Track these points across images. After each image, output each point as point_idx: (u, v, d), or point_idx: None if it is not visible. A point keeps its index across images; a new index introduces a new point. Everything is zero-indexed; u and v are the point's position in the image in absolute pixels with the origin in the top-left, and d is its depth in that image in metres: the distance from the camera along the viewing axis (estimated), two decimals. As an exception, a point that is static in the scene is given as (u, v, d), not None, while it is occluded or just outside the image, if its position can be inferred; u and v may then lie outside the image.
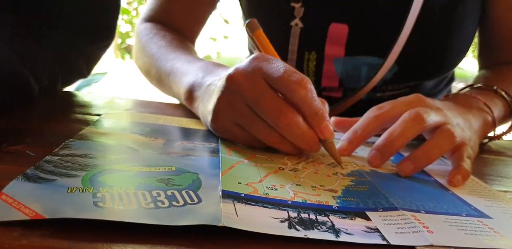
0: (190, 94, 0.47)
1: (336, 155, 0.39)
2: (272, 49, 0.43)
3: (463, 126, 0.44)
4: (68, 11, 0.52)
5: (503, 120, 0.54)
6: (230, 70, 0.38)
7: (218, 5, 0.72)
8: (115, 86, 3.13)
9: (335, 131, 0.43)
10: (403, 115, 0.40)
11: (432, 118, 0.40)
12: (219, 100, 0.39)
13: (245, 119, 0.38)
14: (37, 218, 0.23)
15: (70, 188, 0.27)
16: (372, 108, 0.43)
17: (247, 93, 0.37)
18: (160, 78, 0.57)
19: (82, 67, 0.58)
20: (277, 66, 0.37)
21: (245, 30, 0.43)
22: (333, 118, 0.47)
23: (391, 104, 0.42)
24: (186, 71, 0.50)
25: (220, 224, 0.24)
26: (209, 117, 0.41)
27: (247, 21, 0.43)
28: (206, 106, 0.42)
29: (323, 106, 0.39)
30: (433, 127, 0.40)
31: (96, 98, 0.56)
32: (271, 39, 0.71)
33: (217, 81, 0.41)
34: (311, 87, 0.37)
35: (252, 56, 0.39)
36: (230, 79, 0.38)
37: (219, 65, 0.48)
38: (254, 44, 0.43)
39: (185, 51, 0.58)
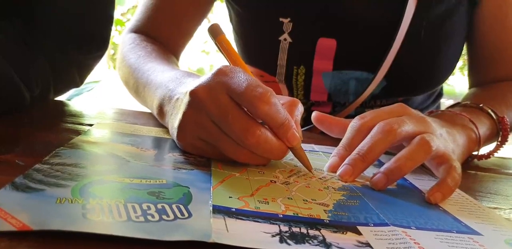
0: (161, 109, 0.46)
1: (305, 160, 0.40)
2: (236, 55, 0.42)
3: (446, 138, 0.43)
4: (60, 19, 0.52)
5: (489, 138, 0.53)
6: (194, 85, 0.37)
7: (212, 19, 0.73)
8: (108, 97, 3.11)
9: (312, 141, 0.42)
10: (374, 128, 0.40)
11: (406, 128, 0.39)
12: (184, 117, 0.38)
13: (211, 136, 0.37)
14: (24, 230, 0.23)
15: (59, 198, 0.27)
16: (355, 118, 0.42)
17: (212, 110, 0.36)
18: (137, 89, 0.55)
19: (75, 76, 0.57)
20: (240, 80, 0.36)
21: (208, 35, 0.42)
22: (314, 113, 0.45)
23: (374, 113, 0.42)
24: (159, 83, 0.48)
25: (210, 240, 0.24)
26: (175, 134, 0.40)
27: (209, 25, 0.42)
28: (173, 123, 0.41)
29: (294, 110, 0.39)
30: (411, 137, 0.40)
31: (87, 108, 0.56)
32: (260, 53, 0.71)
33: (182, 96, 0.40)
34: (274, 100, 0.36)
35: (216, 69, 0.37)
36: (193, 95, 0.37)
37: (189, 75, 0.46)
38: (218, 49, 0.42)
39: (162, 62, 0.56)
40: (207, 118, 0.37)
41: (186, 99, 0.38)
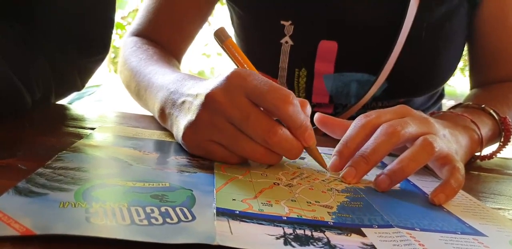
0: (163, 111, 0.45)
1: (320, 159, 0.41)
2: (245, 58, 0.42)
3: (449, 139, 0.43)
4: (60, 19, 0.52)
5: (492, 138, 0.53)
6: (207, 88, 0.38)
7: (212, 22, 0.73)
8: (109, 100, 3.12)
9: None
10: (377, 130, 0.40)
11: (409, 129, 0.39)
12: (198, 118, 0.38)
13: (228, 138, 0.38)
14: (27, 234, 0.23)
15: (62, 202, 0.27)
16: (359, 116, 0.42)
17: (231, 112, 0.36)
18: (139, 92, 0.55)
19: (77, 80, 0.57)
20: (260, 83, 0.37)
21: (214, 39, 0.42)
22: (317, 115, 0.45)
23: (378, 113, 0.42)
24: (160, 86, 0.48)
25: (215, 243, 0.24)
26: (180, 134, 0.40)
27: (215, 30, 0.42)
28: (179, 125, 0.41)
29: (305, 111, 0.40)
30: (414, 138, 0.39)
31: (89, 112, 0.56)
32: (261, 56, 0.71)
33: (192, 99, 0.40)
34: (296, 102, 0.37)
35: (230, 72, 0.38)
36: (210, 98, 0.37)
37: (191, 78, 0.46)
38: (226, 53, 0.43)
39: (164, 65, 0.56)
40: (224, 120, 0.37)
41: (198, 101, 0.38)
